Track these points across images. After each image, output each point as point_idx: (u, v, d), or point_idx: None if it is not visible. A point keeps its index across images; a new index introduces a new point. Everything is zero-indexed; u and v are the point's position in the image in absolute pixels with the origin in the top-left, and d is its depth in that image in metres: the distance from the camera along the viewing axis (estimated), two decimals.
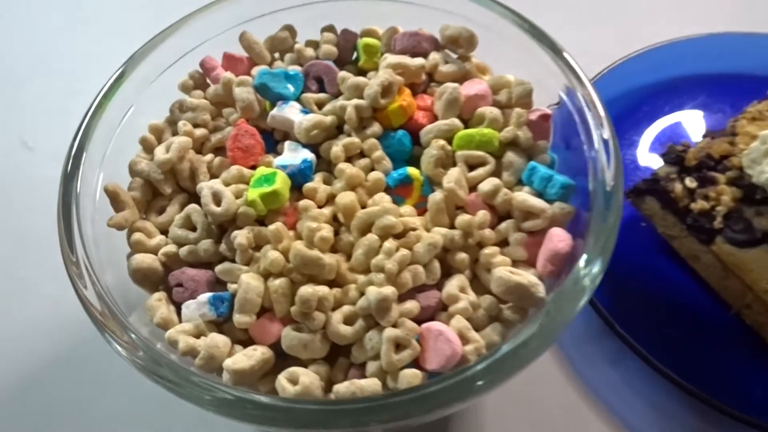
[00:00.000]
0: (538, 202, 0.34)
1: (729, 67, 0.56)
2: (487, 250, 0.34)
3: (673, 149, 0.44)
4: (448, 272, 0.34)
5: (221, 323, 0.33)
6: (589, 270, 0.31)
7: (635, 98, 0.56)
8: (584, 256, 0.31)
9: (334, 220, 0.36)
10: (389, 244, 0.32)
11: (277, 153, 0.38)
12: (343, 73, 0.39)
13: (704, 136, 0.46)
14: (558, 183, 0.34)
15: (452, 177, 0.35)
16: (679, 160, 0.44)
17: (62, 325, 0.49)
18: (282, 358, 0.32)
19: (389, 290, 0.31)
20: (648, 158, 0.52)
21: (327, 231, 0.33)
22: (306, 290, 0.31)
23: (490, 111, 0.37)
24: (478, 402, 0.43)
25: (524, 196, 0.35)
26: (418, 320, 0.32)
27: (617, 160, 0.33)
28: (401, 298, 0.32)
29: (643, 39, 0.57)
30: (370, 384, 0.30)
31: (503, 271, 0.32)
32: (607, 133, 0.34)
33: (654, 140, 0.53)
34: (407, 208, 0.36)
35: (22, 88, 0.63)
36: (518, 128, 0.37)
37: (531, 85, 0.38)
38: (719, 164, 0.43)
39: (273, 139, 0.39)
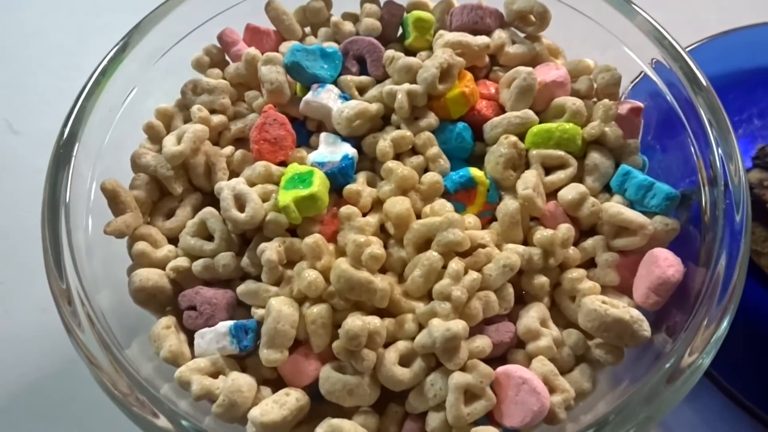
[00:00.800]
0: (636, 216, 0.28)
1: None
2: (573, 274, 0.28)
3: (765, 152, 0.38)
4: (520, 299, 0.28)
5: (244, 357, 0.27)
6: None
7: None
8: None
9: (380, 231, 0.29)
10: (456, 265, 0.26)
11: (311, 147, 0.32)
12: (390, 52, 0.32)
13: None
14: (662, 192, 0.28)
15: (529, 182, 0.28)
16: None
17: (49, 335, 0.43)
18: (318, 402, 0.26)
19: (459, 325, 0.24)
20: None
21: (378, 247, 0.26)
22: (354, 322, 0.24)
23: (572, 102, 0.31)
24: None
25: (618, 208, 0.28)
26: (488, 360, 0.26)
27: (735, 156, 0.27)
28: (470, 333, 0.26)
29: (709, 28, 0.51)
30: None
31: (596, 302, 0.26)
32: (721, 121, 0.28)
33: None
34: (471, 219, 0.29)
35: (9, 62, 0.55)
36: (606, 123, 0.30)
37: (619, 72, 0.32)
38: None
39: (306, 129, 0.33)
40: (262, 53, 0.33)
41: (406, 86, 0.31)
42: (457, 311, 0.25)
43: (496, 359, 0.27)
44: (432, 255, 0.26)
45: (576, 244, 0.29)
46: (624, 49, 0.33)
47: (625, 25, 0.32)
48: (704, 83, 0.29)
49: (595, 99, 0.33)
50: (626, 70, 0.33)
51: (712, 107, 0.29)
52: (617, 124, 0.31)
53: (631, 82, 0.35)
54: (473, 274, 0.26)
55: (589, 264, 0.29)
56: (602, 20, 0.33)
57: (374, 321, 0.25)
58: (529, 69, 0.31)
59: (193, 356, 0.27)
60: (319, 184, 0.28)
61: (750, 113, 0.48)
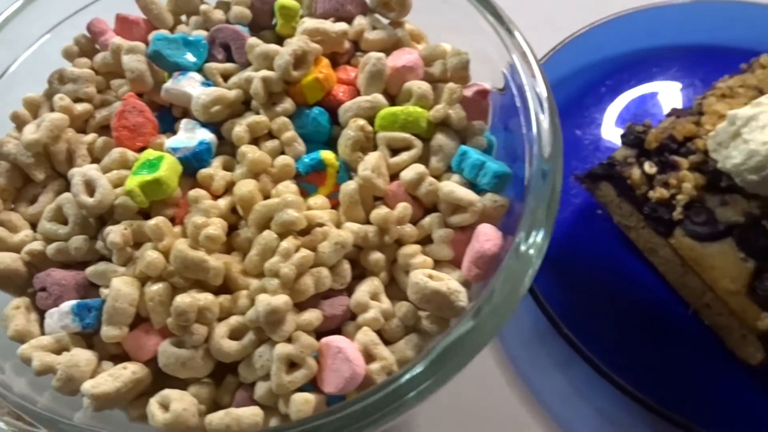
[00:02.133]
0: (466, 194, 0.29)
1: (705, 39, 0.51)
2: (406, 250, 0.29)
3: (632, 129, 0.39)
4: (363, 275, 0.30)
5: (91, 334, 0.28)
6: (534, 240, 0.26)
7: (600, 71, 0.50)
8: (526, 223, 0.26)
9: (234, 213, 0.31)
10: (287, 243, 0.27)
11: (175, 133, 0.33)
12: (252, 40, 0.34)
13: (669, 115, 0.42)
14: (491, 171, 0.29)
15: (369, 163, 0.30)
16: (638, 142, 0.39)
17: None
18: (164, 377, 0.28)
19: (281, 299, 0.26)
20: (611, 139, 0.47)
21: (216, 227, 0.28)
22: (183, 299, 0.26)
23: (418, 86, 0.32)
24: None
25: (451, 186, 0.30)
26: (324, 332, 0.28)
27: (556, 138, 0.29)
28: (303, 306, 0.28)
29: (614, 5, 0.52)
30: (249, 415, 0.25)
31: (420, 275, 0.28)
32: (545, 115, 0.29)
33: (618, 118, 0.48)
34: (319, 199, 0.31)
35: None
36: (450, 106, 0.32)
37: (468, 56, 0.33)
38: (683, 147, 0.39)
39: (172, 116, 0.34)
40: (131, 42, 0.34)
41: (263, 73, 0.32)
42: (285, 287, 0.27)
43: (333, 332, 0.28)
44: (267, 234, 0.28)
45: (418, 222, 0.30)
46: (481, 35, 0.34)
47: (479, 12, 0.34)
48: (542, 88, 0.30)
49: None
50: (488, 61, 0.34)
51: (540, 94, 0.30)
52: (463, 107, 0.32)
53: None
54: (303, 252, 0.27)
55: (429, 241, 0.30)
56: (461, 7, 0.34)
57: (206, 297, 0.27)
58: (379, 54, 0.32)
59: (43, 335, 0.28)
60: (167, 168, 0.29)
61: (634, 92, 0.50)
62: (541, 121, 0.29)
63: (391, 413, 0.24)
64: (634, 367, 0.37)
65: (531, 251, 0.26)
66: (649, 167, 0.38)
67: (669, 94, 0.49)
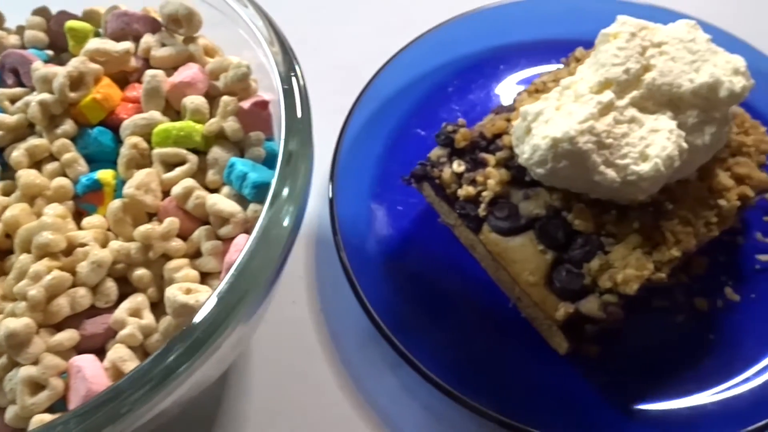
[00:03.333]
0: (228, 205, 0.30)
1: (552, 34, 0.52)
2: (171, 264, 0.30)
3: (444, 130, 0.40)
4: (136, 291, 0.30)
5: None
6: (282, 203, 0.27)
7: (448, 71, 0.51)
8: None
9: (8, 238, 0.31)
10: (38, 266, 0.28)
11: None
12: (35, 64, 0.34)
13: (493, 112, 0.42)
14: (251, 181, 0.30)
15: (135, 180, 0.30)
16: (449, 142, 0.40)
17: None
18: None
19: (21, 322, 0.26)
20: None
21: None
22: None
23: (191, 101, 0.32)
24: (239, 416, 0.39)
25: (215, 199, 0.30)
26: (91, 351, 0.28)
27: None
28: (62, 327, 0.28)
29: (463, 4, 0.53)
30: None
31: (174, 289, 0.28)
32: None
33: (465, 117, 0.48)
34: (95, 219, 0.31)
35: None
36: (224, 119, 0.32)
37: (246, 68, 0.33)
38: (492, 144, 0.39)
39: None
40: None
41: (40, 96, 0.32)
42: (35, 309, 0.27)
43: (98, 350, 0.29)
44: (24, 257, 0.28)
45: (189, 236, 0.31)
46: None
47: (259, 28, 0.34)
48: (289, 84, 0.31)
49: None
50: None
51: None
52: (241, 118, 0.33)
53: None
54: (55, 273, 0.28)
55: (200, 254, 0.31)
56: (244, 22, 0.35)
57: None
58: (155, 72, 0.33)
59: None
60: None
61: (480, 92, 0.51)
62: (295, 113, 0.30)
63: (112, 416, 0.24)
64: (459, 364, 0.38)
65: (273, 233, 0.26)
66: (458, 166, 0.39)
67: (513, 91, 0.50)
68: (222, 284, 0.25)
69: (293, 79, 0.30)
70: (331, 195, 0.43)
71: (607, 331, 0.38)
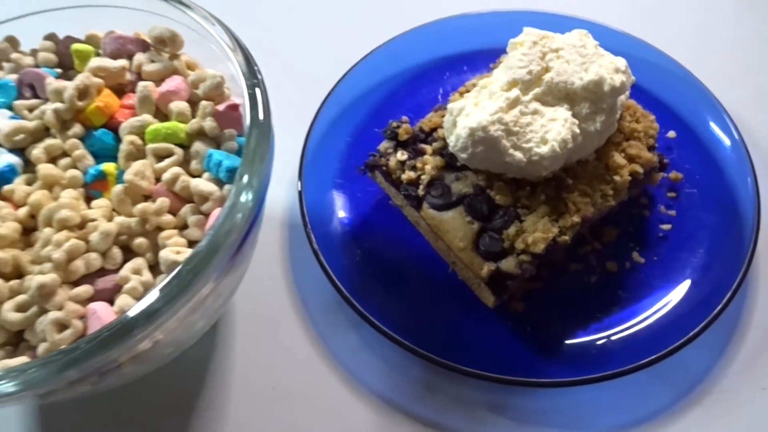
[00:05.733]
0: (207, 186, 0.38)
1: (486, 44, 0.59)
2: (164, 234, 0.37)
3: (389, 126, 0.48)
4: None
5: None
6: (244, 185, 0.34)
7: (400, 79, 0.59)
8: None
9: (34, 218, 0.38)
10: (59, 235, 0.35)
11: None
12: (48, 79, 0.42)
13: (433, 111, 0.50)
14: (225, 167, 0.38)
15: (133, 169, 0.38)
16: (394, 136, 0.48)
17: None
18: None
19: (49, 278, 0.34)
20: None
21: (5, 228, 0.36)
22: None
23: (176, 105, 0.40)
24: (226, 369, 0.47)
25: (197, 182, 0.38)
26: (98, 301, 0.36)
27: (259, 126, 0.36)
28: (79, 284, 0.36)
29: (413, 19, 0.61)
30: (17, 360, 0.33)
31: (167, 251, 0.36)
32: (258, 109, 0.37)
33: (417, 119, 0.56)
34: (101, 202, 0.39)
35: None
36: (203, 119, 0.40)
37: (219, 79, 0.41)
38: (429, 137, 0.47)
39: None
40: None
41: (54, 105, 0.40)
42: (58, 269, 0.35)
43: (106, 302, 0.36)
44: (47, 230, 0.36)
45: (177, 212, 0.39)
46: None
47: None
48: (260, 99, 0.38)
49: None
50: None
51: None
52: (216, 119, 0.40)
53: None
54: (73, 241, 0.35)
55: (186, 226, 0.38)
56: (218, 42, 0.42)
57: None
58: (147, 83, 0.41)
59: None
60: None
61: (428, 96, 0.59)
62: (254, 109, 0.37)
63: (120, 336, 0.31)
64: (409, 321, 0.46)
65: (229, 224, 0.33)
66: (401, 155, 0.47)
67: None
68: (201, 242, 0.33)
69: (256, 88, 0.38)
70: (299, 187, 0.51)
71: (530, 290, 0.46)
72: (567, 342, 0.45)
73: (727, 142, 0.52)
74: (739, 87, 0.60)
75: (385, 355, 0.47)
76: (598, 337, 0.45)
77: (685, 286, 0.47)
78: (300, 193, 0.51)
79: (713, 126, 0.53)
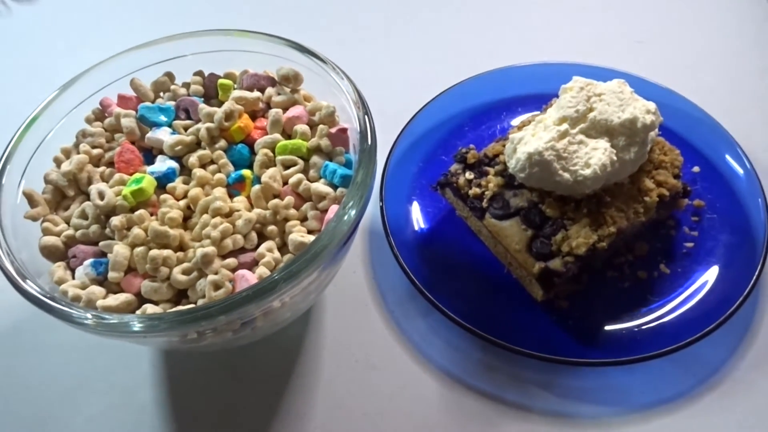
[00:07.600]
0: (324, 188, 0.49)
1: (539, 90, 0.71)
2: (290, 223, 0.49)
3: (459, 152, 0.59)
4: (267, 240, 0.49)
5: (102, 281, 0.47)
6: (347, 209, 0.45)
7: (465, 116, 0.70)
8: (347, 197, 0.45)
9: (189, 208, 0.50)
10: (215, 220, 0.47)
11: (154, 164, 0.53)
12: (201, 105, 0.54)
13: (495, 141, 0.61)
14: (339, 174, 0.49)
15: (267, 174, 0.50)
16: (463, 159, 0.59)
17: None
18: (145, 300, 0.47)
19: (210, 249, 0.45)
20: None
21: (174, 213, 0.48)
22: (153, 252, 0.45)
23: (300, 127, 0.52)
24: (318, 345, 0.57)
25: (317, 185, 0.49)
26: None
27: (368, 154, 0.48)
28: (226, 257, 0.47)
29: (477, 66, 0.73)
30: (184, 307, 0.44)
31: (296, 234, 0.47)
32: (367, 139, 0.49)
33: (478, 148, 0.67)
34: (240, 198, 0.50)
35: None
36: (320, 139, 0.52)
37: (332, 108, 0.53)
38: (492, 161, 0.58)
39: (152, 155, 0.54)
40: (125, 110, 0.54)
41: (207, 125, 0.52)
42: (214, 244, 0.46)
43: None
44: (205, 216, 0.48)
45: (299, 208, 0.50)
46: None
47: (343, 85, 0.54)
48: (369, 129, 0.50)
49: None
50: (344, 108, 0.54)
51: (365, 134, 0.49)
52: (329, 139, 0.52)
53: None
54: (225, 224, 0.47)
55: (306, 218, 0.50)
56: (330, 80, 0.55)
57: (168, 251, 0.46)
58: (278, 110, 0.53)
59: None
60: (146, 182, 0.49)
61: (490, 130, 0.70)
62: (365, 139, 0.49)
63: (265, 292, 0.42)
64: (471, 311, 0.56)
65: (345, 217, 0.45)
66: (469, 175, 0.58)
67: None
68: (321, 233, 0.44)
69: (366, 123, 0.50)
70: (381, 202, 0.62)
71: (573, 292, 0.56)
72: (604, 329, 0.54)
73: (741, 172, 0.62)
74: (751, 122, 0.70)
75: (450, 339, 0.57)
76: (631, 326, 0.54)
77: (703, 292, 0.56)
78: (381, 207, 0.62)
79: (730, 161, 0.63)
